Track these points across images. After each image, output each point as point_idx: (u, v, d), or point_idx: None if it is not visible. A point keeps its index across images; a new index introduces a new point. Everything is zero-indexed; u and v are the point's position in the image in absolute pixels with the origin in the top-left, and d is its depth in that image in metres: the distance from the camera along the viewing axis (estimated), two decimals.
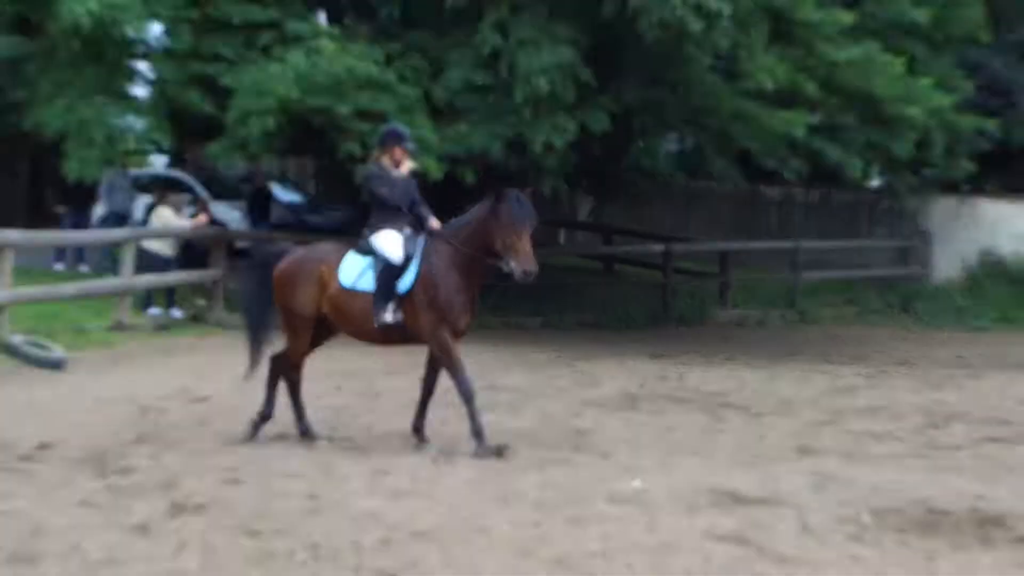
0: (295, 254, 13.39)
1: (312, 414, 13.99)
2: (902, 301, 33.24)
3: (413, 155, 13.56)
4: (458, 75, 23.27)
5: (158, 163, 37.78)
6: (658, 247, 30.95)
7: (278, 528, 9.05)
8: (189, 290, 24.56)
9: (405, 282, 12.59)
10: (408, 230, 12.82)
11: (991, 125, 30.94)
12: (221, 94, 22.73)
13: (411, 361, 20.20)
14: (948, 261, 34.92)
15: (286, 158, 34.43)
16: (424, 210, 13.03)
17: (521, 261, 12.11)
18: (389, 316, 12.64)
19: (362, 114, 21.97)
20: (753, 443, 13.84)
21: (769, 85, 23.61)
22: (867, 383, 19.96)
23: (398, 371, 19.07)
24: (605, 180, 29.96)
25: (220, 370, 18.17)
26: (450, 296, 12.48)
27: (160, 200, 24.78)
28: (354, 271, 12.85)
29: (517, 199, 12.31)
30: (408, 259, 12.62)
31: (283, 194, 33.46)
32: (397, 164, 13.01)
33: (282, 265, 13.25)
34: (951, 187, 34.05)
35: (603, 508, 10.12)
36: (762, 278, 32.96)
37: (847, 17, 25.22)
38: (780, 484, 11.31)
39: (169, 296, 23.56)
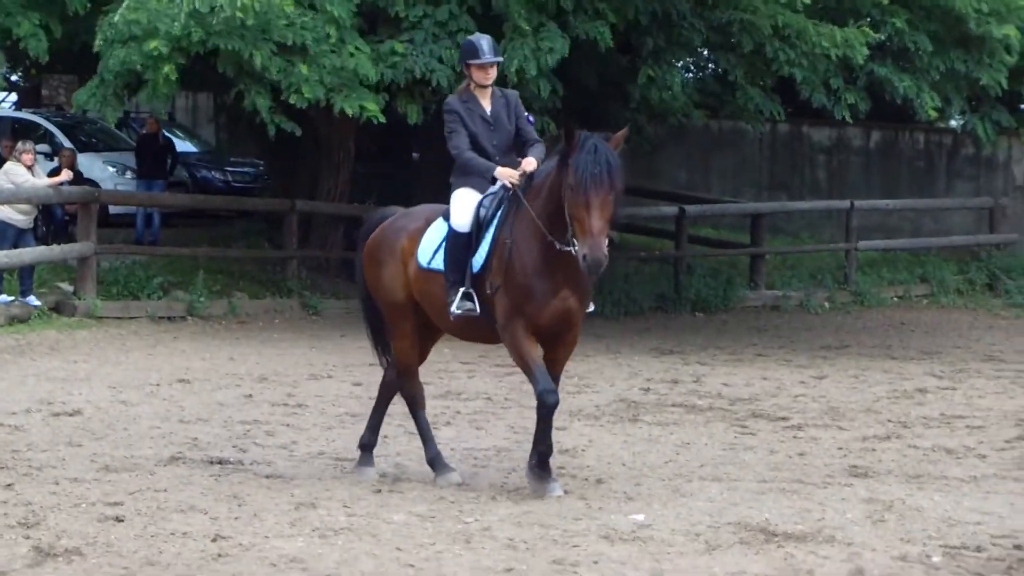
0: (382, 223, 13.30)
1: (214, 431, 14.16)
2: (989, 277, 33.41)
3: (495, 66, 12.63)
4: None
5: (6, 103, 37.67)
6: (670, 209, 31.03)
7: None
8: (50, 271, 24.57)
9: (478, 258, 12.11)
10: (500, 183, 12.20)
11: None
12: (71, 23, 22.78)
13: (343, 361, 20.47)
14: None
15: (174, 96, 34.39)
16: (530, 146, 12.46)
17: (586, 244, 11.19)
18: (460, 304, 12.11)
19: (278, 49, 21.97)
20: (792, 463, 14.02)
21: None
22: (941, 385, 20.14)
23: (324, 374, 19.26)
24: (602, 121, 30.06)
25: (92, 375, 18.30)
26: (527, 277, 11.80)
27: (8, 152, 24.72)
28: (432, 245, 12.50)
29: (593, 149, 11.36)
30: (481, 227, 12.15)
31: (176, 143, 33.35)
32: (482, 88, 12.47)
33: (369, 240, 13.25)
34: None
35: (596, 548, 10.27)
36: (806, 249, 33.10)
37: None
38: (826, 515, 11.50)
39: (24, 279, 23.44)
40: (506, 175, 11.98)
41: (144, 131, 31.29)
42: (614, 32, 23.87)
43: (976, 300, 32.41)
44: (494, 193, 12.18)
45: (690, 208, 31.08)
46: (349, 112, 22.62)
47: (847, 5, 24.91)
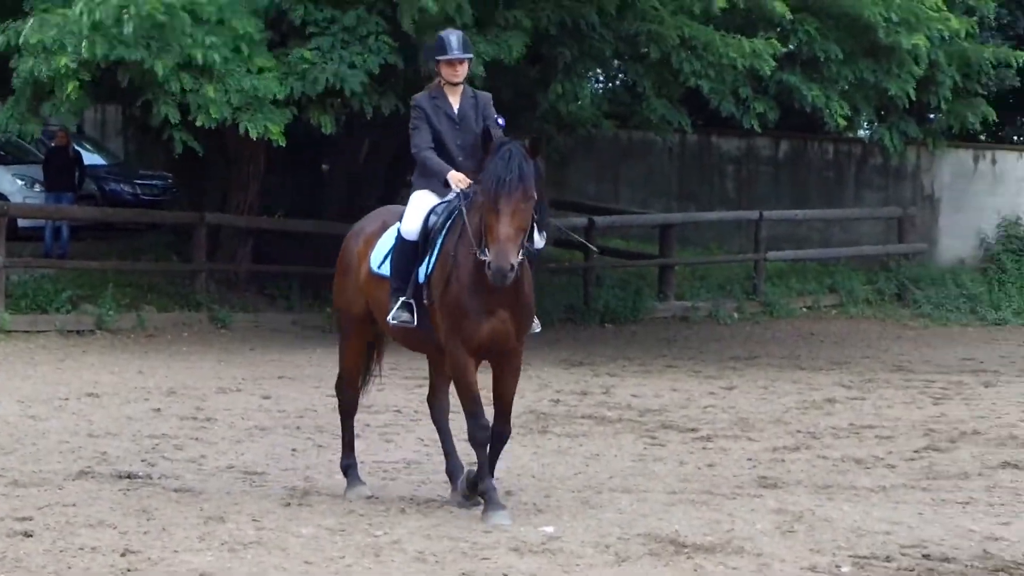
0: (352, 230, 13.04)
1: (123, 445, 14.14)
2: (898, 287, 33.69)
3: (466, 63, 12.08)
4: None
5: None
6: (579, 220, 31.06)
7: None
8: None
9: (425, 268, 11.61)
10: (461, 188, 11.58)
11: (1019, 57, 31.35)
12: None
13: (252, 375, 20.44)
14: (959, 235, 35.34)
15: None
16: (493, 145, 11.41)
17: (492, 251, 10.68)
18: (396, 314, 11.65)
19: (184, 66, 21.94)
20: (701, 474, 14.11)
21: (722, 3, 23.84)
22: (850, 395, 20.32)
23: (233, 387, 19.23)
24: (512, 130, 30.10)
25: (0, 389, 18.21)
26: (462, 293, 11.23)
27: None
28: (384, 249, 12.12)
29: (507, 155, 10.85)
30: (429, 235, 11.63)
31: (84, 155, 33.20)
32: (452, 86, 11.95)
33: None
34: (964, 137, 34.42)
35: (506, 561, 10.31)
36: (715, 260, 33.27)
37: None
38: (736, 527, 11.58)
39: None
40: (457, 180, 11.49)
41: (53, 144, 31.09)
42: (524, 44, 23.95)
43: (885, 310, 32.67)
44: (448, 201, 11.69)
45: (599, 219, 31.19)
46: (253, 134, 22.60)
47: (757, 15, 25.04)
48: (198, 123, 22.36)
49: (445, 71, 11.84)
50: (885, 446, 15.96)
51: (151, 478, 13.07)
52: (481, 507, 11.61)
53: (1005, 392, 21.02)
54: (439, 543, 10.76)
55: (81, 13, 21.26)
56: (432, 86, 11.95)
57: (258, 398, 18.37)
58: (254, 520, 11.43)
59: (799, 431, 16.93)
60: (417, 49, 22.65)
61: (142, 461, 13.84)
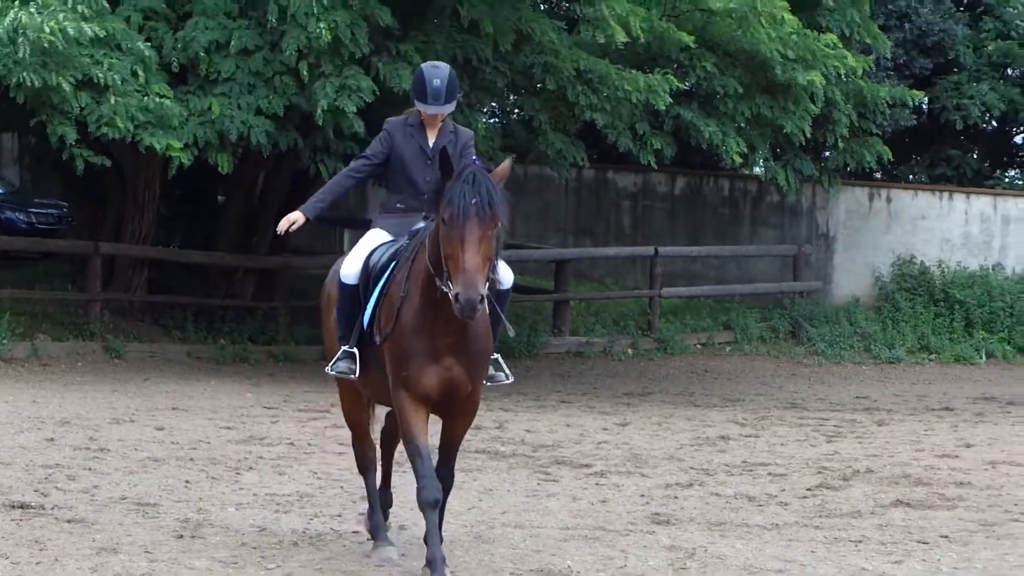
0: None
1: (16, 475, 14.12)
2: (792, 324, 33.93)
3: (439, 100, 10.89)
4: (207, 30, 23.23)
5: None
6: None
7: None
8: None
9: (367, 311, 10.58)
10: (421, 224, 10.59)
11: (913, 96, 31.76)
12: None
13: (146, 405, 20.39)
14: (854, 273, 35.61)
15: None
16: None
17: (459, 282, 9.48)
18: (335, 365, 10.77)
19: (82, 83, 21.95)
20: (595, 510, 14.18)
21: (622, 38, 23.98)
22: (744, 432, 20.46)
23: (127, 418, 19.17)
24: None
25: None
26: (405, 336, 10.12)
27: None
28: None
29: (470, 181, 9.73)
30: (373, 275, 10.61)
31: None
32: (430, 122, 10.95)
33: None
34: (860, 175, 34.74)
35: None
36: (610, 295, 33.39)
37: None
38: (628, 563, 11.69)
39: None
40: (287, 221, 10.92)
41: None
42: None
43: (779, 347, 32.89)
44: (389, 243, 10.76)
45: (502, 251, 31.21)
46: (157, 148, 22.52)
47: (655, 51, 25.22)
48: (102, 133, 22.23)
49: (425, 116, 10.91)
50: (778, 484, 16.09)
51: (44, 508, 12.99)
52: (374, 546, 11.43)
53: (898, 430, 21.23)
54: None
55: None
56: (411, 112, 10.98)
57: (152, 429, 18.31)
58: (147, 552, 11.42)
59: (692, 468, 17.04)
60: (311, 82, 22.79)
61: (35, 491, 13.75)
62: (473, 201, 9.42)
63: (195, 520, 12.76)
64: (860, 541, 12.97)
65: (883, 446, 19.41)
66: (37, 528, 12.11)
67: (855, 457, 18.27)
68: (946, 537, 13.23)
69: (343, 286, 10.73)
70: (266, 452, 16.91)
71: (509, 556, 11.12)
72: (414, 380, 10.00)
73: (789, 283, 35.11)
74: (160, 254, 28.24)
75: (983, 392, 27.42)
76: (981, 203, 36.31)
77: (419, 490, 10.13)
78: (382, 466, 12.05)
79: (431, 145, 10.75)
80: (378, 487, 11.94)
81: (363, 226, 39.07)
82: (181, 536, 12.09)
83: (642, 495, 15.04)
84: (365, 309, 10.42)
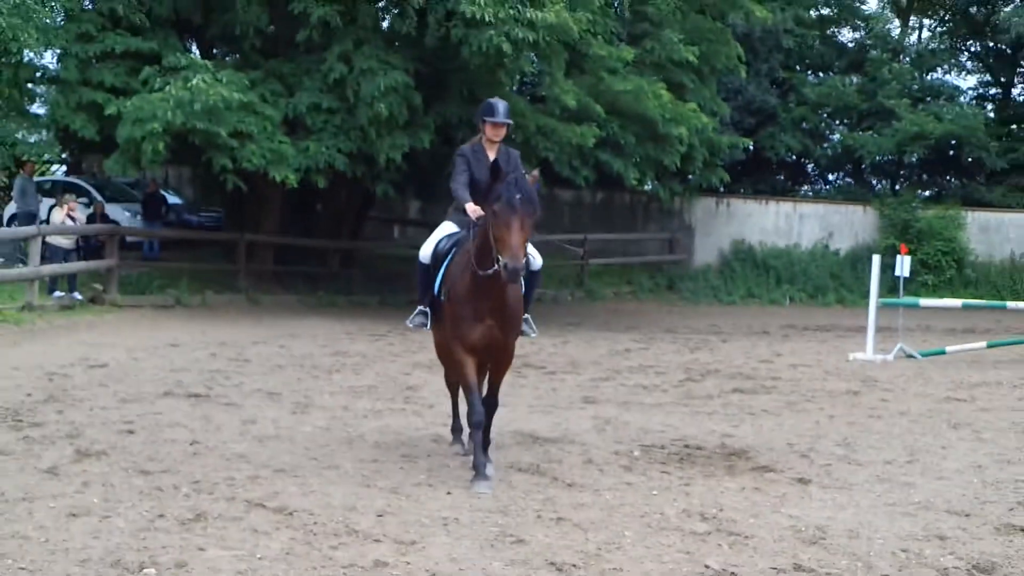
0: None
1: (192, 376, 13.99)
2: (669, 281, 33.91)
3: (508, 127, 9.80)
4: (307, 98, 23.36)
5: (59, 172, 36.88)
6: None
7: (166, 468, 9.00)
8: (88, 277, 24.08)
9: (437, 283, 9.47)
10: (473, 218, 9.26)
11: (743, 142, 31.98)
12: (105, 117, 22.50)
13: (273, 332, 20.27)
14: (706, 249, 35.63)
15: (167, 167, 33.82)
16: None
17: (506, 255, 8.42)
18: (413, 319, 9.67)
19: (233, 134, 21.95)
20: (548, 395, 14.11)
21: (570, 104, 23.98)
22: (639, 347, 20.41)
23: (261, 341, 19.07)
24: (430, 185, 30.06)
25: (115, 342, 17.96)
26: (458, 302, 9.04)
27: (59, 202, 24.36)
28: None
29: (513, 183, 8.64)
30: (441, 256, 9.52)
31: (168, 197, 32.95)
32: (492, 142, 9.72)
33: None
34: (710, 190, 34.76)
35: (429, 447, 10.30)
36: (558, 264, 33.35)
37: (629, 53, 25.83)
38: (569, 426, 11.61)
39: (71, 281, 23.04)
40: (472, 210, 9.11)
41: (148, 190, 30.82)
42: (438, 130, 24.14)
43: (661, 296, 32.86)
44: (453, 234, 9.61)
45: None
46: (278, 178, 22.59)
47: (583, 114, 25.10)
48: (244, 166, 22.27)
49: (489, 130, 9.61)
50: (661, 378, 16.03)
51: (209, 396, 12.88)
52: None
53: (735, 345, 21.18)
54: (388, 436, 10.68)
55: (166, 93, 21.42)
56: (474, 140, 9.80)
57: (277, 347, 18.15)
58: (273, 422, 11.32)
59: (608, 368, 16.98)
60: (375, 140, 22.86)
61: (204, 386, 13.63)
62: (517, 196, 8.45)
63: (303, 403, 12.67)
64: (712, 413, 12.90)
65: (726, 355, 19.36)
66: (205, 409, 12.03)
67: (708, 362, 18.22)
68: (766, 411, 13.17)
69: (420, 264, 9.64)
70: (347, 360, 16.81)
71: (495, 423, 10.98)
72: (463, 334, 8.94)
73: (667, 256, 35.14)
74: (282, 240, 28.07)
75: (787, 322, 27.39)
76: (786, 206, 36.38)
77: (469, 415, 9.06)
78: (451, 402, 10.59)
79: (492, 160, 9.43)
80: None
81: (406, 224, 39.18)
82: (295, 412, 11.99)
83: (578, 385, 14.97)
84: (435, 281, 9.39)
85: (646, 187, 32.39)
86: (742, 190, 38.08)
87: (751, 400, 14.08)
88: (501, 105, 9.72)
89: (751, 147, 36.64)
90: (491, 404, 9.34)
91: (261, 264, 27.81)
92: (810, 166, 41.97)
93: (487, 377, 9.41)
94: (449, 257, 9.36)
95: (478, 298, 8.85)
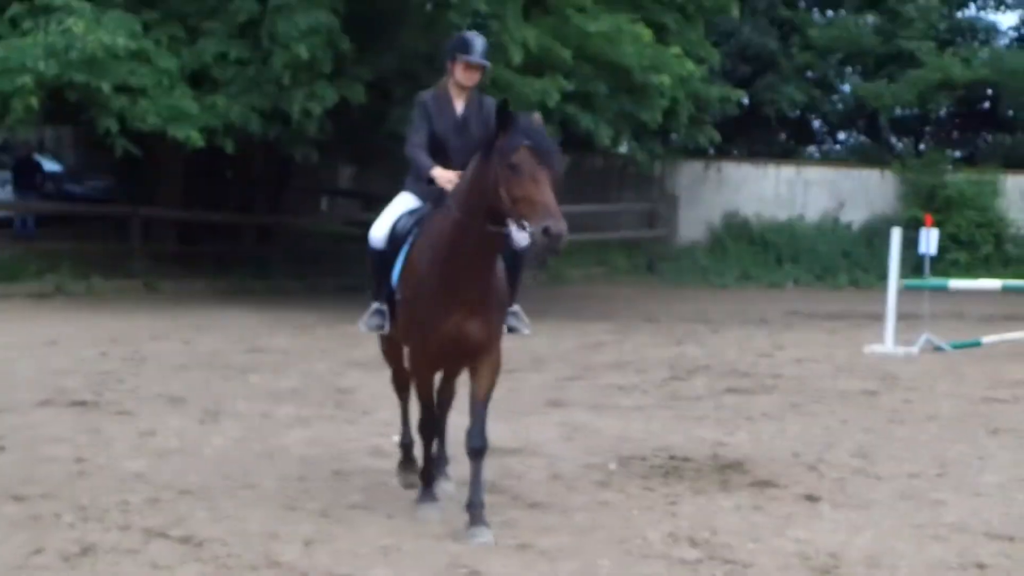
0: None
1: (77, 380, 13.91)
2: (648, 261, 34.03)
3: (484, 70, 8.98)
4: (214, 45, 23.20)
5: None
6: None
7: (45, 492, 8.94)
8: None
9: (395, 273, 8.57)
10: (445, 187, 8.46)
11: (736, 95, 32.03)
12: None
13: (175, 325, 20.18)
14: (693, 223, 35.70)
15: (43, 127, 33.56)
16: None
17: (541, 218, 7.42)
18: (367, 321, 8.87)
19: (121, 88, 21.78)
20: (507, 397, 14.03)
21: (517, 59, 23.90)
22: (614, 339, 20.45)
23: (162, 335, 18.97)
24: (364, 148, 29.99)
25: None
26: (421, 286, 8.19)
27: None
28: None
29: (528, 129, 7.79)
30: (399, 239, 8.64)
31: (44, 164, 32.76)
32: (462, 87, 8.92)
33: None
34: (697, 152, 34.83)
35: (365, 462, 10.31)
36: None
37: None
38: (532, 435, 11.63)
39: None
40: (443, 178, 8.42)
41: (20, 155, 30.68)
42: (372, 83, 23.99)
43: (639, 277, 32.97)
44: (415, 209, 8.77)
45: None
46: (179, 137, 22.44)
47: (546, 61, 25.05)
48: (136, 126, 22.12)
49: (460, 72, 8.81)
50: (640, 376, 16.07)
51: (99, 404, 12.82)
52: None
53: (728, 336, 21.26)
54: (316, 449, 10.72)
55: (36, 39, 21.17)
56: (440, 85, 9.01)
57: (180, 343, 18.11)
58: (176, 434, 11.30)
59: (577, 365, 17.01)
60: (290, 89, 22.71)
61: (91, 391, 13.55)
62: (548, 147, 7.67)
63: (213, 410, 12.63)
64: (702, 417, 12.97)
65: (717, 348, 19.44)
66: (93, 419, 11.97)
67: (697, 356, 18.30)
68: (765, 414, 13.26)
69: (372, 250, 8.79)
70: (266, 358, 16.78)
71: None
72: (426, 321, 8.13)
73: (646, 231, 35.25)
74: (184, 215, 27.98)
75: (790, 308, 27.50)
76: (788, 171, 36.51)
77: (421, 420, 8.61)
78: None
79: (459, 114, 8.86)
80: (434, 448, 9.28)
81: (336, 194, 39.04)
82: (203, 422, 11.96)
83: (542, 385, 14.99)
84: (393, 270, 8.53)
85: (621, 149, 32.44)
86: (735, 152, 38.23)
87: (748, 402, 14.14)
88: (479, 41, 8.92)
89: (746, 100, 36.71)
90: (477, 437, 8.44)
91: (160, 244, 27.73)
92: (817, 123, 42.15)
93: (471, 395, 8.58)
94: (411, 240, 8.50)
95: (452, 279, 8.03)
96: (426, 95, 8.94)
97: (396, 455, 10.39)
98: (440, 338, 8.14)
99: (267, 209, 29.90)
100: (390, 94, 25.06)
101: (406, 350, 8.90)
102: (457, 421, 9.26)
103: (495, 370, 8.58)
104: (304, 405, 13.12)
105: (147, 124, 22.06)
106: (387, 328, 8.74)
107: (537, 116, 8.17)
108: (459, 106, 8.86)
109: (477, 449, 8.37)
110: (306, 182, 35.11)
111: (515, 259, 8.50)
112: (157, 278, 26.04)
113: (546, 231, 7.36)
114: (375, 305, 8.78)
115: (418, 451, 9.21)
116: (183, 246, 28.14)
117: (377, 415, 12.47)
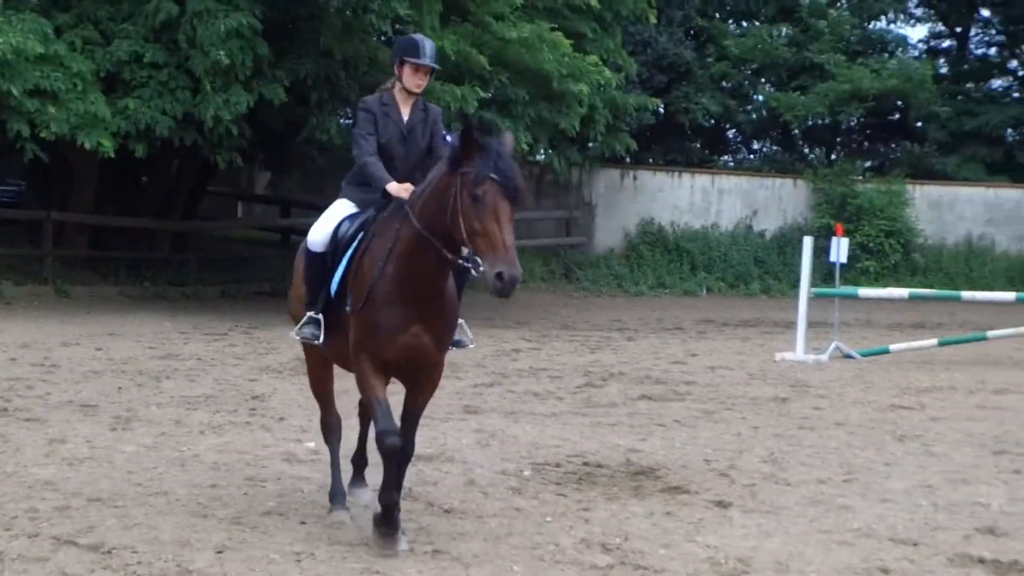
0: None
1: None
2: (565, 269, 34.08)
3: (432, 73, 8.66)
4: (128, 47, 22.98)
5: None
6: None
7: None
8: None
9: (335, 279, 8.22)
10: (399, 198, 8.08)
11: (653, 103, 32.20)
12: None
13: (87, 331, 19.96)
14: (609, 231, 35.88)
15: None
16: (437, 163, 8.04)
17: (497, 259, 7.22)
18: (300, 330, 8.42)
19: (33, 92, 21.52)
20: None
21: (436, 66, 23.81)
22: (530, 346, 20.48)
23: (73, 341, 18.76)
24: (281, 154, 29.86)
25: None
26: (376, 304, 7.78)
27: None
28: None
29: (497, 155, 7.40)
30: (342, 244, 8.26)
31: None
32: (410, 92, 8.54)
33: None
34: (614, 160, 34.97)
35: (279, 468, 10.24)
36: None
37: None
38: (447, 441, 11.60)
39: None
40: (399, 191, 8.01)
41: None
42: (292, 88, 23.83)
43: (555, 285, 33.03)
44: (355, 214, 8.38)
45: None
46: (88, 145, 22.22)
47: (464, 68, 25.06)
48: (42, 136, 21.88)
49: (408, 76, 8.44)
50: (556, 383, 16.10)
51: (7, 411, 12.63)
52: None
53: (642, 344, 21.36)
54: (229, 456, 10.63)
55: None
56: (385, 88, 8.63)
57: (92, 349, 17.93)
58: (87, 441, 11.16)
59: (493, 372, 17.00)
60: (209, 94, 22.50)
61: (0, 398, 13.38)
62: (515, 182, 7.31)
63: (125, 416, 12.49)
64: (616, 424, 12.99)
65: (632, 355, 19.52)
66: (3, 426, 11.79)
67: (611, 363, 18.36)
68: (678, 421, 13.30)
69: (310, 253, 8.42)
70: (180, 365, 16.63)
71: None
72: (379, 344, 7.76)
73: (563, 238, 35.32)
74: (98, 220, 27.69)
75: (704, 316, 27.70)
76: (703, 180, 36.77)
77: (379, 435, 7.87)
78: (360, 430, 9.36)
79: (405, 121, 8.48)
80: (354, 451, 9.36)
81: (252, 200, 38.78)
82: (115, 429, 11.82)
83: (457, 392, 14.95)
84: (332, 277, 8.17)
85: (538, 156, 32.55)
86: (651, 160, 38.44)
87: (661, 409, 14.18)
88: (427, 43, 8.53)
89: (662, 109, 36.97)
90: (407, 445, 8.17)
91: (72, 248, 27.45)
92: (731, 132, 42.50)
93: (407, 408, 8.28)
94: (355, 245, 8.10)
95: (411, 289, 7.72)
96: (371, 100, 8.56)
97: (310, 461, 10.38)
98: (397, 347, 7.78)
99: (183, 215, 29.67)
100: (308, 100, 24.97)
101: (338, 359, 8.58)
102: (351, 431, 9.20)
103: (436, 384, 8.29)
104: (217, 412, 13.01)
105: (50, 133, 21.82)
106: (321, 338, 8.29)
107: (508, 138, 7.74)
108: (405, 113, 8.53)
109: (395, 445, 7.89)
110: (223, 187, 34.90)
111: (460, 273, 8.04)
112: (69, 283, 25.78)
113: (499, 276, 7.16)
114: (310, 314, 8.33)
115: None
116: (96, 251, 27.85)
117: (291, 421, 12.41)
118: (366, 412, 9.13)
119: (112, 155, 22.55)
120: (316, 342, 8.32)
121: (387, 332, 7.73)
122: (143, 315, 22.87)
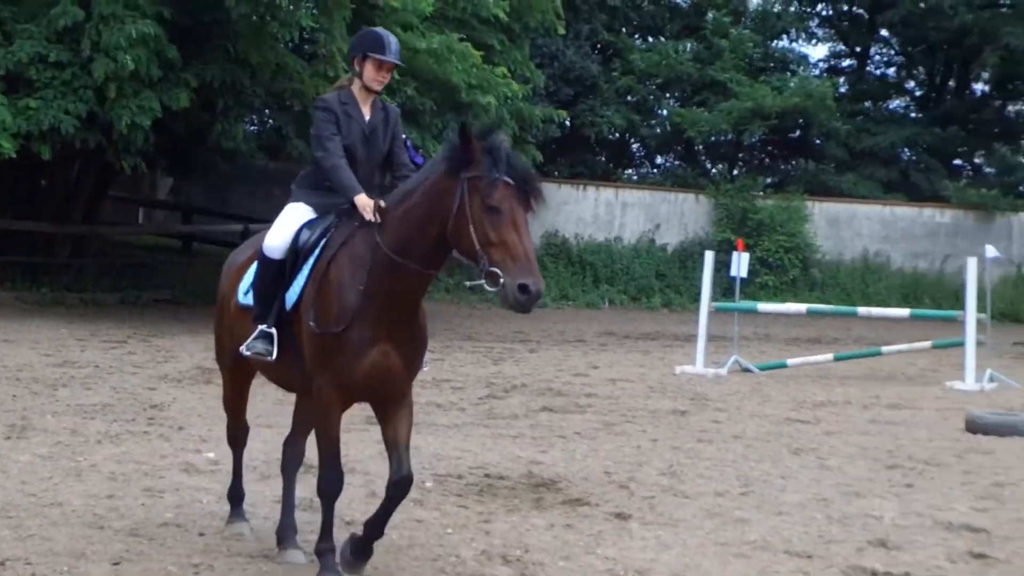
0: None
1: None
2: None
3: (392, 71, 8.05)
4: (31, 47, 22.69)
5: None
6: (237, 227, 30.60)
7: None
8: None
9: (292, 291, 7.55)
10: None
11: (559, 115, 32.36)
12: None
13: None
14: None
15: None
16: (401, 175, 7.89)
17: (520, 271, 6.64)
18: (251, 344, 7.64)
19: None
20: None
21: (343, 74, 23.78)
22: (433, 357, 20.37)
23: None
24: (185, 159, 29.60)
25: None
26: (343, 322, 7.13)
27: None
28: (251, 277, 8.00)
29: (506, 155, 6.84)
30: (300, 253, 7.64)
31: None
32: (370, 90, 7.94)
33: None
34: None
35: (177, 479, 10.16)
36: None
37: (427, 5, 25.75)
38: (348, 452, 11.54)
39: None
40: (368, 209, 7.28)
41: None
42: (198, 93, 23.65)
43: (460, 296, 32.97)
44: (314, 220, 7.77)
45: (253, 226, 30.78)
46: None
47: None
48: None
49: (370, 72, 7.84)
50: (458, 394, 16.12)
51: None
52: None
53: (544, 356, 21.44)
54: (127, 466, 10.52)
55: None
56: (343, 85, 8.10)
57: None
58: None
59: None
60: (117, 100, 22.29)
61: None
62: (524, 182, 6.79)
63: (20, 425, 12.32)
64: (517, 436, 13.02)
65: (534, 367, 19.58)
66: None
67: (514, 375, 18.40)
68: (579, 433, 13.36)
69: (267, 260, 7.66)
70: (77, 373, 16.43)
71: (262, 450, 10.85)
72: (343, 366, 7.13)
73: None
74: None
75: (606, 329, 27.85)
76: (607, 193, 36.96)
77: (324, 481, 7.48)
78: (290, 478, 8.66)
79: (367, 121, 7.87)
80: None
81: (154, 206, 38.41)
82: (8, 438, 11.66)
83: (360, 406, 14.87)
84: (289, 288, 7.51)
85: None
86: (556, 172, 38.57)
87: (562, 421, 14.24)
88: (392, 38, 7.95)
89: (568, 122, 37.13)
90: (406, 480, 7.57)
91: None
92: (636, 146, 42.78)
93: (391, 440, 7.61)
94: (318, 253, 7.49)
95: (385, 309, 7.13)
96: (330, 99, 7.92)
97: (209, 471, 10.31)
98: (367, 367, 7.13)
99: (82, 219, 29.28)
100: (212, 105, 24.80)
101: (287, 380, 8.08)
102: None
103: (412, 413, 7.69)
104: (115, 421, 12.88)
105: None
106: (274, 355, 7.56)
107: (504, 136, 7.05)
108: (367, 112, 7.92)
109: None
110: (123, 192, 34.53)
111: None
112: None
113: (523, 289, 6.58)
114: (261, 327, 7.60)
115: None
116: None
117: (190, 431, 12.32)
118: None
119: (13, 156, 22.21)
120: (268, 358, 7.59)
121: (354, 353, 7.09)
122: (39, 321, 22.57)
